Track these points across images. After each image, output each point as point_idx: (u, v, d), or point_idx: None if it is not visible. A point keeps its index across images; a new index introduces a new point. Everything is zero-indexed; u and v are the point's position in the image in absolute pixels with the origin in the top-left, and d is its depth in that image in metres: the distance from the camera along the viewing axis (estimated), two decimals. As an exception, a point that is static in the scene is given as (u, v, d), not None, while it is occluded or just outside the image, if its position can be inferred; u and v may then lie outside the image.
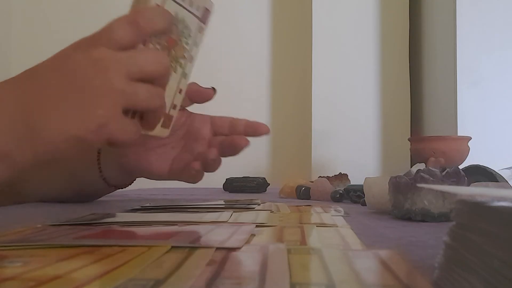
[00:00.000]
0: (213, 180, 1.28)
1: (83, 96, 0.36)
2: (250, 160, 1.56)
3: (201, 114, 0.62)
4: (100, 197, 0.70)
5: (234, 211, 0.47)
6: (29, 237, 0.31)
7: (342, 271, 0.22)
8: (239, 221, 0.40)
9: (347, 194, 0.70)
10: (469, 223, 0.20)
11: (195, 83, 0.59)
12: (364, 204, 0.59)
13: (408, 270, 0.22)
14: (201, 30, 0.49)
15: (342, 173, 0.88)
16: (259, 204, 0.57)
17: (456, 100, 1.44)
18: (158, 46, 0.44)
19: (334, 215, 0.47)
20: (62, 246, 0.28)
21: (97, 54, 0.37)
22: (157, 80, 0.40)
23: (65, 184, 0.64)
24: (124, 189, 0.68)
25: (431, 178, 0.46)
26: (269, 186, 1.05)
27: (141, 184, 1.26)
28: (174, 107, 0.49)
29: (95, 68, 0.37)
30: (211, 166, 0.57)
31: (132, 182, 0.68)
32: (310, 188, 0.78)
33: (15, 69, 0.39)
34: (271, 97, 1.63)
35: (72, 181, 0.64)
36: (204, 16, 0.49)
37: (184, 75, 0.49)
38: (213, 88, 0.61)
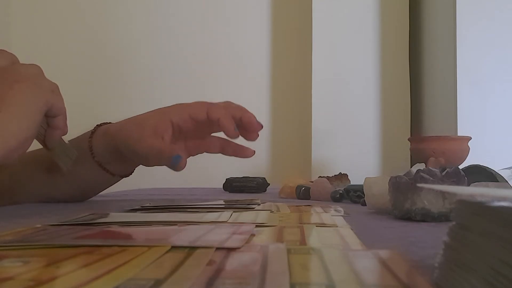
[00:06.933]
0: (213, 180, 1.28)
1: None
2: (250, 160, 1.55)
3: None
4: (104, 189, 0.70)
5: (234, 211, 0.47)
6: (29, 237, 0.31)
7: (342, 271, 0.22)
8: (239, 221, 0.40)
9: (347, 194, 0.70)
10: (469, 223, 0.20)
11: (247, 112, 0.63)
12: (364, 204, 0.58)
13: (408, 270, 0.22)
14: None
15: (342, 173, 0.87)
16: (259, 204, 0.57)
17: (456, 100, 1.44)
18: None
19: (334, 215, 0.47)
20: (62, 246, 0.28)
21: None
22: None
23: (64, 181, 0.64)
24: (127, 177, 0.67)
25: (431, 178, 0.46)
26: (269, 186, 1.05)
27: (141, 184, 1.26)
28: None
29: None
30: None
31: (133, 171, 0.68)
32: (310, 188, 0.77)
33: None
34: (271, 97, 1.63)
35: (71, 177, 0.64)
36: None
37: None
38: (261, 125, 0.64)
